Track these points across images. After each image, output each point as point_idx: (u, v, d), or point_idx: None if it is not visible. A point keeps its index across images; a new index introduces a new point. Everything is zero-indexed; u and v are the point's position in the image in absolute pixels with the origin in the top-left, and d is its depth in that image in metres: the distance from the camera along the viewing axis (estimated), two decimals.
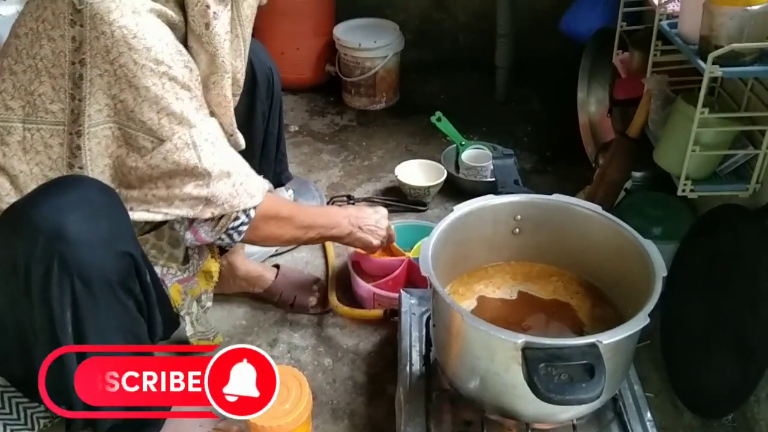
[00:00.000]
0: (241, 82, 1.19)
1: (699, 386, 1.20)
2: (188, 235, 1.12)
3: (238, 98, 1.21)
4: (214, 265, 1.32)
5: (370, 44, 2.25)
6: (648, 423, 1.03)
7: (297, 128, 2.27)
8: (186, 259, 1.24)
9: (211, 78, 1.08)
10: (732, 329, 1.14)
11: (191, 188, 1.03)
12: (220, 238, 1.13)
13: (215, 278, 1.34)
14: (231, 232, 1.12)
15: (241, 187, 1.09)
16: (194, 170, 1.02)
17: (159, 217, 1.05)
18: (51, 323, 0.93)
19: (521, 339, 0.85)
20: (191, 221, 1.10)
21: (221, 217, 1.09)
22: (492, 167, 1.83)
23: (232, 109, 1.15)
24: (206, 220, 1.09)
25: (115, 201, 0.99)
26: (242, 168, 1.11)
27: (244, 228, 1.12)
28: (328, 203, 1.85)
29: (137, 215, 1.03)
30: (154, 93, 0.96)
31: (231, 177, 1.07)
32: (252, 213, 1.12)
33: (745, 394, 1.10)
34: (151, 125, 0.98)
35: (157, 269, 1.17)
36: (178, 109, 0.99)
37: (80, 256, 0.91)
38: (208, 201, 1.05)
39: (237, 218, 1.10)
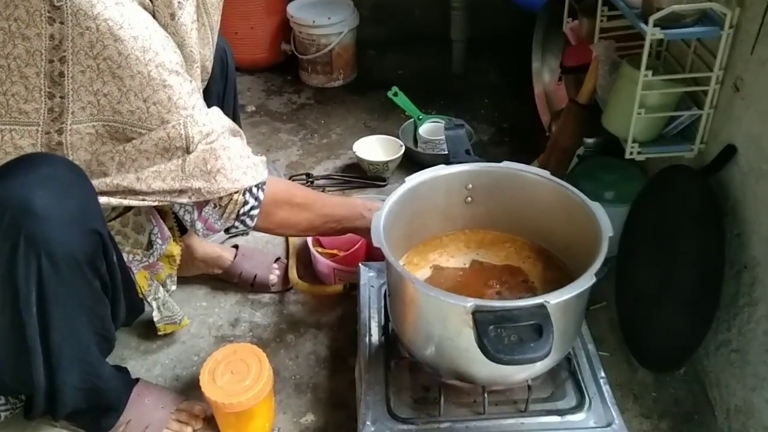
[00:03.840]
0: (210, 69, 1.17)
1: (651, 343, 1.23)
2: (198, 225, 1.09)
3: (205, 84, 1.19)
4: (176, 249, 1.32)
5: (324, 21, 2.23)
6: (601, 380, 1.06)
7: (254, 108, 2.25)
8: (150, 245, 1.23)
9: None
10: (679, 286, 1.17)
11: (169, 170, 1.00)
12: (234, 226, 1.10)
13: (178, 261, 1.34)
14: (243, 218, 1.09)
15: (231, 164, 1.03)
16: (179, 155, 0.99)
17: (134, 203, 1.01)
18: (15, 301, 0.91)
19: (470, 303, 0.87)
20: (199, 211, 1.07)
21: (228, 203, 1.06)
22: None
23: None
24: (213, 207, 1.07)
25: (84, 179, 0.95)
26: (236, 150, 1.05)
27: (255, 212, 1.09)
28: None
29: (115, 201, 1.00)
30: (139, 81, 0.92)
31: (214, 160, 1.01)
32: (260, 194, 1.08)
33: (694, 348, 1.13)
34: (140, 114, 0.95)
35: (123, 256, 1.15)
36: (166, 96, 0.95)
37: (48, 232, 0.89)
38: (183, 189, 1.01)
39: (246, 202, 1.07)
